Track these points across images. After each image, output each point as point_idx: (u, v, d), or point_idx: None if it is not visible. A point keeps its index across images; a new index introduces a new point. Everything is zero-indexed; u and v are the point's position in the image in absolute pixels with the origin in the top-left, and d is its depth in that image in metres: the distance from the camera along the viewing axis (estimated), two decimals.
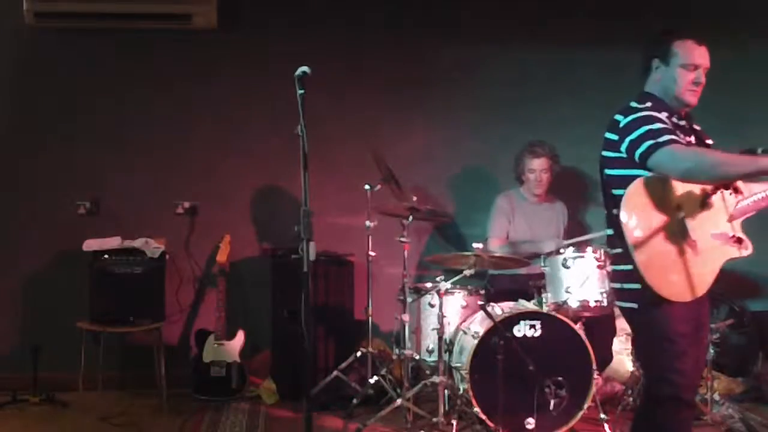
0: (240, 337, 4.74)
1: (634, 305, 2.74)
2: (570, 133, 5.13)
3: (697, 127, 2.89)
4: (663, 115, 2.72)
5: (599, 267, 3.99)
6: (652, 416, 2.75)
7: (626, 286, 2.75)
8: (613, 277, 2.89)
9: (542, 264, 4.13)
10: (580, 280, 3.98)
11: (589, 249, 4.04)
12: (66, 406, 4.49)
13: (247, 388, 4.68)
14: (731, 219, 2.74)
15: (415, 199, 4.43)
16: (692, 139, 2.80)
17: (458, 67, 5.30)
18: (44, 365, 4.62)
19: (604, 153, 2.86)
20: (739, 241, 2.74)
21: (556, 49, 5.30)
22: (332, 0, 5.21)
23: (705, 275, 2.65)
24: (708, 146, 2.84)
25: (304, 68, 2.86)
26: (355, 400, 4.34)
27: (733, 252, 2.72)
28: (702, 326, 2.83)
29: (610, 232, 2.82)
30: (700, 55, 2.79)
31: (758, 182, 2.78)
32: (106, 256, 4.68)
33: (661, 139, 2.62)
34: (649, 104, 2.76)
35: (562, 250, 4.07)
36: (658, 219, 2.61)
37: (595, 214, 5.27)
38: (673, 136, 2.63)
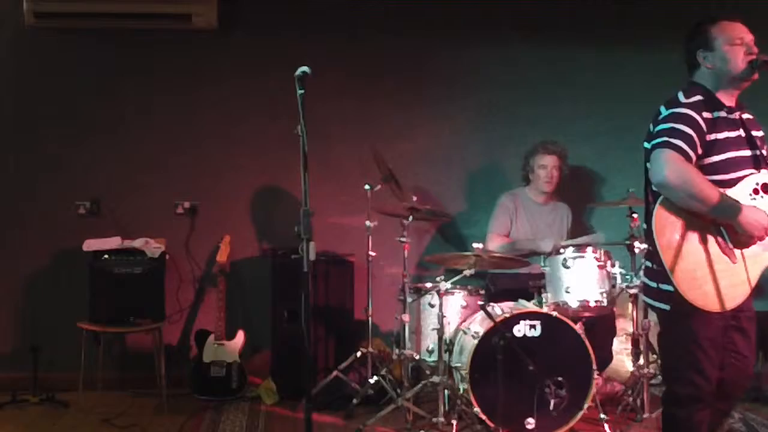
0: (240, 337, 4.73)
1: (666, 307, 2.73)
2: (570, 132, 5.13)
3: (748, 116, 2.85)
4: (700, 117, 2.69)
5: (599, 267, 3.99)
6: (674, 416, 2.77)
7: (662, 286, 2.73)
8: (648, 274, 2.83)
9: (542, 264, 4.13)
10: (580, 280, 3.97)
11: (589, 249, 4.04)
12: (66, 406, 4.49)
13: (247, 388, 4.67)
14: None
15: (415, 199, 4.43)
16: (740, 132, 2.78)
17: (458, 67, 5.30)
18: (44, 365, 4.63)
19: (645, 144, 2.81)
20: None
21: (556, 49, 5.30)
22: (332, 0, 5.21)
23: (740, 285, 2.64)
24: (754, 138, 2.79)
25: (304, 68, 2.86)
26: (355, 400, 4.34)
27: None
28: (740, 329, 2.79)
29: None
30: (739, 29, 2.79)
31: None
32: (106, 256, 4.68)
33: (671, 140, 2.63)
34: (694, 99, 2.73)
35: (562, 250, 4.07)
36: (693, 226, 2.63)
37: (597, 215, 5.28)
38: (685, 145, 2.62)
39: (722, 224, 2.65)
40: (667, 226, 2.62)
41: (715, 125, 2.73)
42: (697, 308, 2.61)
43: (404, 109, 5.24)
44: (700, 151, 2.68)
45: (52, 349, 4.70)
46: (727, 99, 2.80)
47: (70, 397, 4.55)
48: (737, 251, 2.65)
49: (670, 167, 2.60)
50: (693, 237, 2.62)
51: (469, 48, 5.28)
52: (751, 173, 2.74)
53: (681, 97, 2.75)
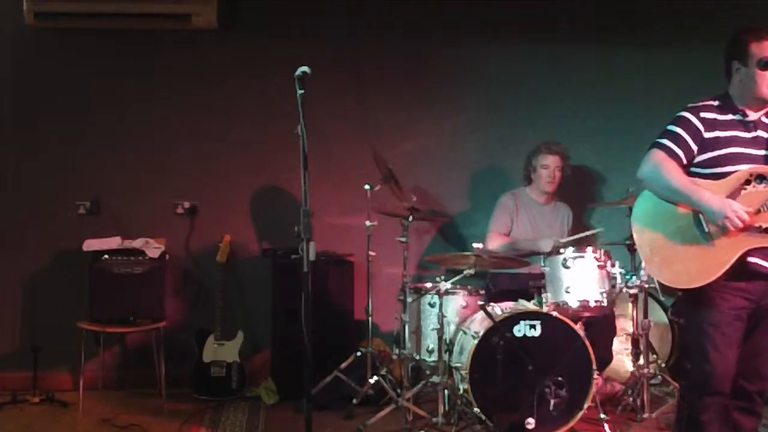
0: (240, 337, 4.74)
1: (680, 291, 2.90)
2: (570, 132, 5.12)
3: None
4: (697, 117, 2.85)
5: (599, 267, 3.99)
6: (685, 402, 2.89)
7: None
8: None
9: (542, 264, 4.12)
10: (580, 280, 3.97)
11: (589, 249, 4.04)
12: (66, 406, 4.49)
13: (247, 388, 4.68)
14: (757, 210, 2.77)
15: (415, 199, 4.43)
16: (757, 133, 2.86)
17: (458, 67, 5.29)
18: (44, 365, 4.63)
19: None
20: (766, 231, 2.77)
21: (555, 48, 5.30)
22: (332, 0, 5.21)
23: (715, 265, 2.74)
24: None
25: (304, 68, 2.87)
26: (355, 400, 4.34)
27: (756, 242, 2.76)
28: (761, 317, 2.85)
29: None
30: None
31: None
32: (106, 256, 4.67)
33: (660, 140, 2.88)
34: (702, 103, 2.89)
35: (562, 250, 4.07)
36: (660, 228, 2.85)
37: (597, 215, 5.28)
38: (671, 144, 2.84)
39: (699, 212, 2.80)
40: (640, 243, 2.90)
41: (718, 124, 2.86)
42: (703, 293, 2.74)
43: (404, 109, 5.24)
44: (694, 148, 2.86)
45: (52, 349, 4.70)
46: (750, 108, 2.88)
47: (70, 397, 4.56)
48: (713, 238, 2.77)
49: (649, 163, 2.88)
50: (667, 225, 2.84)
51: (469, 48, 5.28)
52: (748, 166, 2.82)
53: (695, 102, 2.92)
